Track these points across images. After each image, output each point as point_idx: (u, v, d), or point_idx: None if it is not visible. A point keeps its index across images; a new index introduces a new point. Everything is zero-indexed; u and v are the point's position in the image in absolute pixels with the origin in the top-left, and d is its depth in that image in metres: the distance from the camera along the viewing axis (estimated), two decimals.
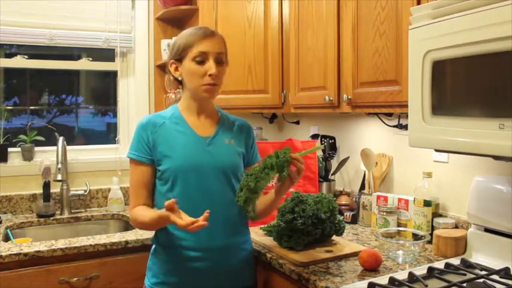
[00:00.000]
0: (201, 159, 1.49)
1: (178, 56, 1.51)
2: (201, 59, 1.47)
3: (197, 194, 1.47)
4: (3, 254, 1.74)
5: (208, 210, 1.30)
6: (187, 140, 1.51)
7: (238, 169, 1.57)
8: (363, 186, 2.18)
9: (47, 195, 2.33)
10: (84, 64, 2.63)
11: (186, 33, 1.52)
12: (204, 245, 1.47)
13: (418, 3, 1.51)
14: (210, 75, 1.46)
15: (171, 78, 1.58)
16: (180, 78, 1.55)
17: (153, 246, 1.57)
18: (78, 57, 2.64)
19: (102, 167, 2.56)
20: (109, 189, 2.52)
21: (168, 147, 1.49)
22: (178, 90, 2.36)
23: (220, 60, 1.50)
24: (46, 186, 2.33)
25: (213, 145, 1.53)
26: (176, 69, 1.53)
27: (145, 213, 1.47)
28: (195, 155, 1.49)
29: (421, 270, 1.43)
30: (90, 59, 2.63)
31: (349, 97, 1.83)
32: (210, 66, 1.46)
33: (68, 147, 2.43)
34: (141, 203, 1.51)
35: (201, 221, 1.27)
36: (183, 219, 1.29)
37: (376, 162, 2.15)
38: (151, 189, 1.54)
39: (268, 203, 1.57)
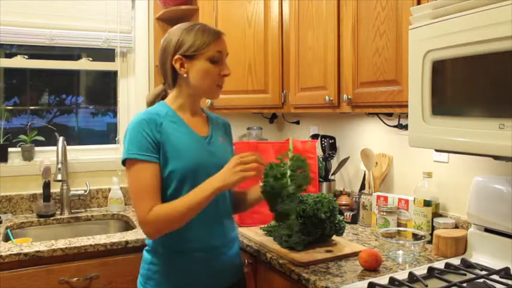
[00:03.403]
0: (207, 159, 1.45)
1: (190, 53, 1.42)
2: (217, 59, 1.44)
3: None
4: (3, 254, 1.74)
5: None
6: (191, 139, 1.46)
7: None
8: (363, 186, 2.18)
9: (47, 195, 2.33)
10: (84, 64, 2.63)
11: (197, 30, 1.44)
12: (210, 243, 1.45)
13: (418, 3, 1.51)
14: (224, 75, 1.46)
15: (166, 72, 1.48)
16: (185, 75, 1.45)
17: (148, 255, 1.47)
18: (78, 57, 2.64)
19: (102, 167, 2.56)
20: (109, 189, 2.52)
21: (173, 148, 1.39)
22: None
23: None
24: (46, 186, 2.33)
25: (212, 145, 1.51)
26: (182, 65, 1.44)
27: (176, 202, 1.33)
28: (201, 155, 1.45)
29: (421, 270, 1.43)
30: (90, 59, 2.63)
31: (349, 97, 1.83)
32: (225, 67, 1.46)
33: (68, 147, 2.43)
34: (156, 204, 1.34)
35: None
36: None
37: (376, 162, 2.15)
38: (160, 192, 1.38)
39: (247, 202, 1.59)
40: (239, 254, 1.59)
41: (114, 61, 2.68)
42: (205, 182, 1.34)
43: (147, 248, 1.50)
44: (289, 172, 1.45)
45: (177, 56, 1.44)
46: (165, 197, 1.40)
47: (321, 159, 2.32)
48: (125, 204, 2.50)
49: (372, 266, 1.48)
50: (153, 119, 1.40)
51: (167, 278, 1.44)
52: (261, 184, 1.46)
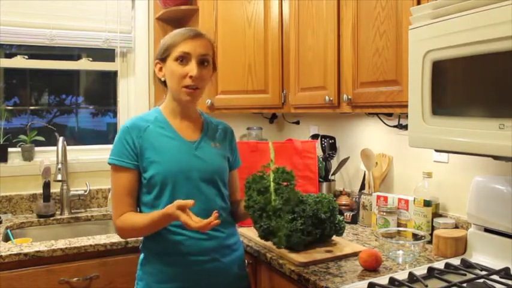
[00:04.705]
0: (190, 164, 1.45)
1: (162, 56, 1.46)
2: (184, 60, 1.42)
3: (187, 199, 1.34)
4: (4, 254, 1.74)
5: (216, 211, 1.29)
6: (175, 144, 1.46)
7: (226, 173, 1.55)
8: (363, 186, 2.18)
9: (47, 196, 2.33)
10: (84, 64, 2.63)
11: (173, 32, 1.47)
12: (196, 249, 1.43)
13: (418, 3, 1.51)
14: (190, 76, 1.41)
15: (157, 79, 1.54)
16: (163, 79, 1.50)
17: (142, 255, 1.51)
18: (78, 57, 2.64)
19: (102, 167, 2.54)
20: (109, 189, 2.52)
21: (155, 152, 1.43)
22: None
23: (204, 63, 1.45)
24: (46, 186, 2.33)
25: (200, 149, 1.49)
26: (160, 69, 1.49)
27: (139, 216, 1.41)
28: (183, 160, 1.44)
29: (421, 270, 1.43)
30: (90, 59, 2.63)
31: (349, 97, 1.83)
32: (192, 67, 1.41)
33: (68, 147, 2.43)
34: (127, 210, 1.43)
35: (212, 218, 1.26)
36: (193, 219, 1.27)
37: (376, 162, 2.15)
38: (135, 196, 1.46)
39: (239, 213, 1.58)
40: (240, 264, 1.56)
41: (114, 61, 2.68)
42: (161, 217, 1.34)
43: (140, 248, 1.53)
44: (273, 185, 1.43)
45: (156, 61, 1.50)
46: (149, 202, 1.45)
47: (321, 159, 2.32)
48: None
49: (372, 266, 1.48)
50: (137, 125, 1.46)
51: (154, 279, 1.45)
52: (244, 198, 1.45)
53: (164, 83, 1.51)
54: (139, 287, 1.49)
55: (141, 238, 1.52)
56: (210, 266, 1.45)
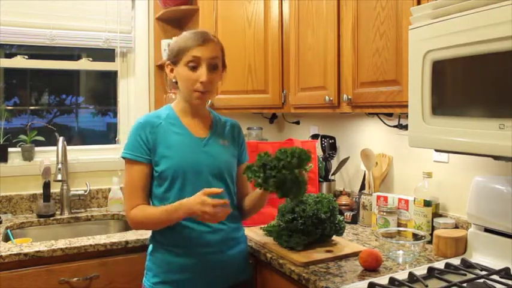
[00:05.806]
0: (199, 160, 1.51)
1: (174, 59, 1.52)
2: (194, 65, 1.47)
3: (195, 193, 1.43)
4: (4, 254, 1.74)
5: (226, 199, 1.40)
6: (184, 140, 1.53)
7: (233, 169, 1.60)
8: (363, 186, 2.18)
9: (47, 196, 2.33)
10: (84, 64, 2.63)
11: (184, 36, 1.52)
12: (203, 241, 1.49)
13: (418, 3, 1.51)
14: (201, 82, 1.47)
15: (169, 79, 1.60)
16: (174, 80, 1.56)
17: (151, 246, 1.57)
18: (78, 57, 2.64)
19: (102, 167, 2.56)
20: (109, 189, 2.52)
21: (166, 148, 1.49)
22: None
23: (214, 66, 1.50)
24: (46, 186, 2.33)
25: (209, 146, 1.55)
26: (171, 71, 1.55)
27: (152, 209, 1.48)
28: (193, 155, 1.51)
29: (421, 270, 1.43)
30: (90, 59, 2.63)
31: (349, 97, 1.83)
32: (202, 73, 1.46)
33: (68, 147, 2.43)
34: (140, 203, 1.49)
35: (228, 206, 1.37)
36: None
37: (376, 162, 2.15)
38: (148, 190, 1.52)
39: (256, 201, 1.61)
40: (244, 256, 1.62)
41: (114, 61, 2.68)
42: (177, 206, 1.41)
43: (149, 239, 1.59)
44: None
45: (167, 62, 1.55)
46: (160, 195, 1.51)
47: (321, 159, 2.32)
48: None
49: (372, 266, 1.48)
50: (150, 121, 1.52)
51: (162, 270, 1.51)
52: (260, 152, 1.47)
53: (176, 82, 1.57)
54: (148, 277, 1.55)
55: (146, 237, 1.56)
56: (216, 257, 1.50)
